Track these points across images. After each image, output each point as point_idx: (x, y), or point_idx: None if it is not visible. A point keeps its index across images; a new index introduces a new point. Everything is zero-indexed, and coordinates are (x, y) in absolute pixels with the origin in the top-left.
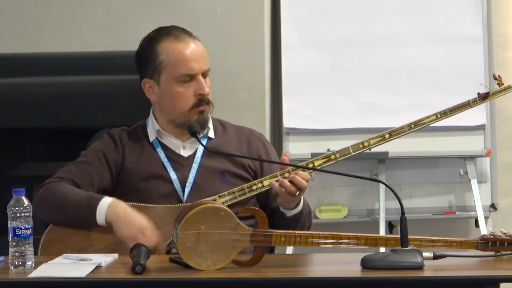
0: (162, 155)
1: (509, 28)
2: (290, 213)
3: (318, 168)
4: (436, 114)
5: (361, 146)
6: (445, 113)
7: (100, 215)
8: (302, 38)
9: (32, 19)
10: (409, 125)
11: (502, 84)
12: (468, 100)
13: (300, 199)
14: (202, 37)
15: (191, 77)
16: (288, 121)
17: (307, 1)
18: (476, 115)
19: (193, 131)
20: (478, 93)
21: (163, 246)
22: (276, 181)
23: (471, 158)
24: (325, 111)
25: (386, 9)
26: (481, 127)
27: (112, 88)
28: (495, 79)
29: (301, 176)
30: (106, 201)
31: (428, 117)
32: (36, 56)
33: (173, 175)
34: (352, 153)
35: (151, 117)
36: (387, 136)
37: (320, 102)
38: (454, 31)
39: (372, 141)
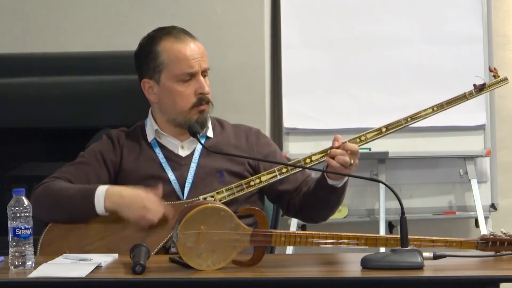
0: (160, 155)
1: (509, 28)
2: (341, 183)
3: (318, 168)
4: (432, 107)
5: (358, 140)
6: (442, 106)
7: (99, 206)
8: (302, 38)
9: (32, 19)
10: (405, 119)
11: (498, 76)
12: (464, 92)
13: None
14: (202, 37)
15: (191, 76)
16: (288, 121)
17: (307, 1)
18: (476, 115)
19: (193, 131)
20: (474, 85)
21: (172, 212)
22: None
23: (471, 158)
24: (325, 111)
25: (386, 9)
26: (481, 127)
27: (112, 88)
28: (491, 71)
29: (348, 147)
30: (102, 191)
31: (424, 110)
32: (36, 56)
33: (171, 175)
34: None
35: (149, 117)
36: (383, 130)
37: (320, 102)
38: (454, 31)
39: (369, 135)
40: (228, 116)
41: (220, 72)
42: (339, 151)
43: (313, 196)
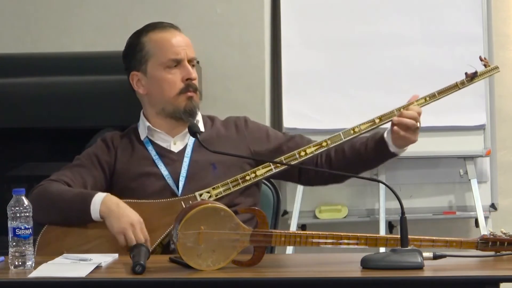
0: (153, 152)
1: (509, 28)
2: (402, 151)
3: (319, 168)
4: (425, 97)
5: (352, 132)
6: (434, 96)
7: (95, 210)
8: (302, 38)
9: (32, 19)
10: (398, 109)
11: (489, 65)
12: (456, 82)
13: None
14: (202, 37)
15: (178, 63)
16: (288, 121)
17: (307, 1)
18: (476, 115)
19: (193, 131)
20: (466, 73)
21: (150, 246)
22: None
23: (471, 158)
24: (325, 111)
25: (387, 9)
26: (481, 127)
27: (112, 88)
28: (481, 60)
29: (410, 110)
30: (100, 196)
31: (417, 100)
32: (36, 56)
33: (164, 171)
34: (343, 139)
35: (141, 117)
36: (377, 121)
37: (320, 102)
38: (454, 31)
39: (362, 127)
40: (228, 116)
41: (220, 72)
42: (407, 115)
43: (362, 158)
